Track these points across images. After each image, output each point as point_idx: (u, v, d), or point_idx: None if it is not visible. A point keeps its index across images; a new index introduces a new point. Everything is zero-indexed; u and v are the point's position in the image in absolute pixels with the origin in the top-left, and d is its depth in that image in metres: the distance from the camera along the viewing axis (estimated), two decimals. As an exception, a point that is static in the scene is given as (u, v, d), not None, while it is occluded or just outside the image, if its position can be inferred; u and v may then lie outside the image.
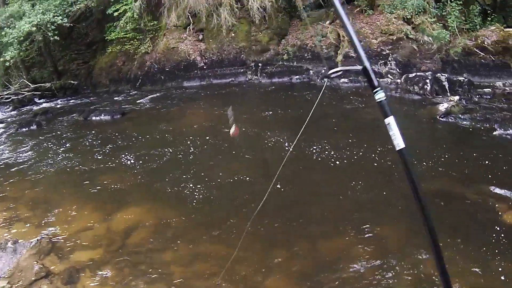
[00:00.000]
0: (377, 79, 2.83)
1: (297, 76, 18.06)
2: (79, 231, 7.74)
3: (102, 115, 15.08)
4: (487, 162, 9.12)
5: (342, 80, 16.68)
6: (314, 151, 10.35)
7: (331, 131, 11.68)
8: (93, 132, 13.26)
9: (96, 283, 6.40)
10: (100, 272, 6.60)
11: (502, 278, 5.94)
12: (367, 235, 7.09)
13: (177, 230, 7.63)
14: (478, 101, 13.55)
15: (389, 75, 16.16)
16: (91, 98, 19.34)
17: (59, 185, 9.73)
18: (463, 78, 14.76)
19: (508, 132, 10.59)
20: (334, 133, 11.50)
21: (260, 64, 18.89)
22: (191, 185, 9.18)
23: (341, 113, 13.28)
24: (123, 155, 11.04)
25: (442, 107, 12.51)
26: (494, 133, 10.65)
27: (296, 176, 9.35)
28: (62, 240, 7.48)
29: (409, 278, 6.07)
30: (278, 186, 8.90)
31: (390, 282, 6.02)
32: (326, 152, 10.24)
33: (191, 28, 20.38)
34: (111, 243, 7.32)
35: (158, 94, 17.75)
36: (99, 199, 8.89)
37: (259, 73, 18.67)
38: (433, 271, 6.12)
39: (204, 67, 19.52)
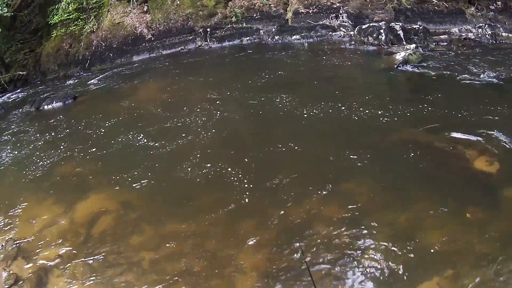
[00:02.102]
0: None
1: (248, 38, 17.87)
2: (43, 228, 7.59)
3: (54, 102, 14.66)
4: (451, 109, 9.16)
5: (294, 37, 16.55)
6: (273, 111, 10.38)
7: (290, 89, 11.62)
8: (46, 121, 12.91)
9: (66, 283, 6.31)
10: (69, 270, 6.51)
11: (478, 226, 6.01)
12: (336, 194, 7.09)
13: (141, 213, 7.57)
14: (435, 48, 13.64)
15: (341, 28, 16.14)
16: (42, 86, 18.78)
17: (17, 183, 9.44)
18: (418, 26, 14.81)
19: (468, 77, 10.64)
20: (292, 92, 11.42)
21: (208, 29, 18.61)
22: (151, 163, 9.08)
23: (299, 70, 13.20)
24: (78, 142, 10.80)
25: (399, 56, 12.55)
26: (454, 79, 10.70)
27: (259, 139, 9.34)
28: (27, 241, 7.32)
29: (383, 235, 6.09)
30: (242, 151, 8.88)
31: (365, 241, 6.04)
32: (286, 111, 10.25)
33: (135, 0, 19.87)
34: (77, 236, 7.21)
35: (108, 72, 17.38)
36: (59, 191, 8.69)
37: (208, 39, 18.42)
38: (407, 226, 6.16)
39: (152, 38, 19.16)
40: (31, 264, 6.78)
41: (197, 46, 18.49)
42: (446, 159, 7.58)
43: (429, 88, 10.66)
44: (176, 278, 6.04)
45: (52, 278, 6.46)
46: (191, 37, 18.80)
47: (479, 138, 7.85)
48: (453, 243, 5.84)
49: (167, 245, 6.63)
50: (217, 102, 11.63)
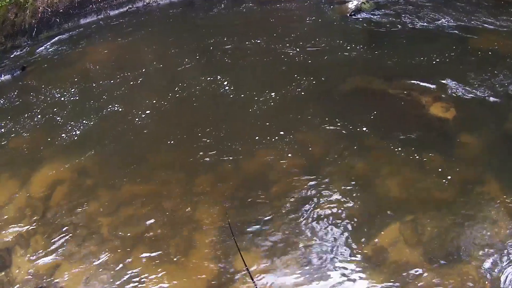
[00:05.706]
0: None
1: (197, -9, 17.42)
2: (0, 207, 7.51)
3: (2, 75, 14.18)
4: (405, 56, 9.13)
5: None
6: (224, 64, 10.39)
7: (240, 43, 11.41)
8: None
9: (29, 261, 6.34)
10: (31, 247, 6.54)
11: (435, 172, 6.12)
12: (290, 144, 7.13)
13: (95, 178, 7.58)
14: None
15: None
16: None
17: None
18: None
19: (422, 25, 10.53)
20: (244, 44, 11.24)
21: (156, -15, 18.08)
22: (103, 127, 9.02)
23: (250, 24, 12.97)
24: (28, 113, 10.39)
25: (352, 4, 12.29)
26: (408, 27, 10.59)
27: (211, 93, 9.25)
28: (-14, 224, 7.27)
29: (340, 184, 6.14)
30: (193, 107, 8.80)
31: (321, 191, 6.09)
32: (238, 63, 10.29)
33: (78, -40, 19.19)
34: (35, 211, 7.19)
35: (56, 38, 16.74)
36: (13, 166, 8.55)
37: (156, -5, 17.92)
38: (364, 175, 6.19)
39: (99, -1, 18.56)
40: (-8, 247, 6.76)
41: (145, 3, 17.91)
42: (402, 106, 7.62)
43: (382, 36, 10.56)
44: (136, 242, 6.10)
45: (15, 257, 6.49)
46: (139, -5, 18.28)
47: (435, 85, 7.86)
48: (411, 189, 5.97)
49: (125, 209, 6.68)
50: (168, 60, 11.42)
